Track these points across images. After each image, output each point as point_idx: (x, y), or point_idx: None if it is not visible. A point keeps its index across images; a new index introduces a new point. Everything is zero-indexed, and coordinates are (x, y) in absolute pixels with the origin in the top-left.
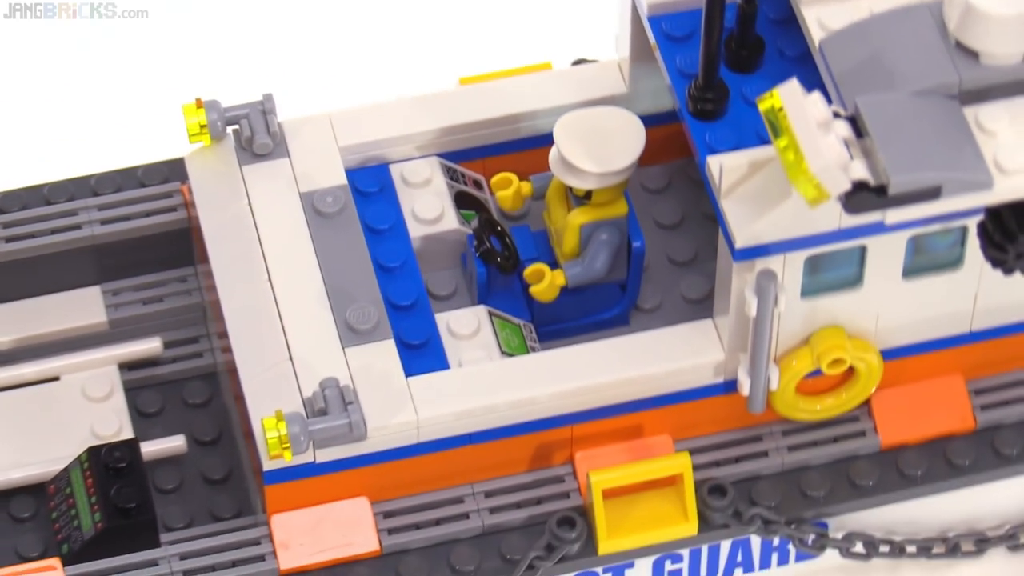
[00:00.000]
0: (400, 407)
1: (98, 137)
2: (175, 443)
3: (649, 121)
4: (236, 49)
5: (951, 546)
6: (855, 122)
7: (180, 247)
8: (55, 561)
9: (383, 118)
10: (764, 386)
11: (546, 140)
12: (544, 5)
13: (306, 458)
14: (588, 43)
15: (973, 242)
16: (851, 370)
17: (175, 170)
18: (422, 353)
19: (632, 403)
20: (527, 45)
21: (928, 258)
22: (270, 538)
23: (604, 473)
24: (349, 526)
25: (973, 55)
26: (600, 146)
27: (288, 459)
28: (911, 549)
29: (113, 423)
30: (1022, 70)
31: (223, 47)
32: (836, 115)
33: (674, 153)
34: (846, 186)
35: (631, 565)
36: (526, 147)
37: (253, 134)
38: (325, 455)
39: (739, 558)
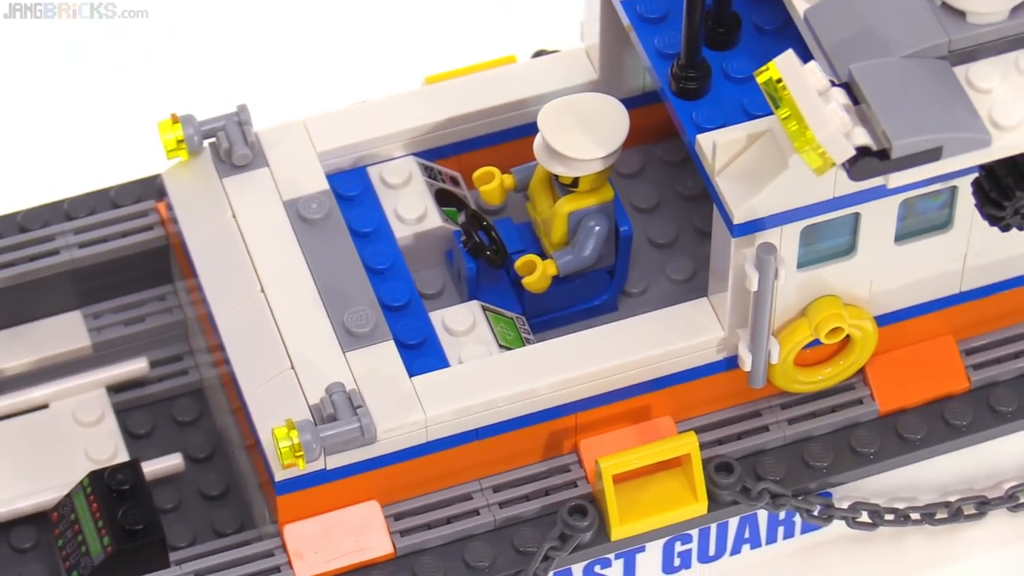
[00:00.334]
0: (408, 408)
1: (68, 158)
2: (173, 462)
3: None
4: (196, 63)
5: (953, 511)
6: (849, 89)
7: (157, 265)
8: None
9: (357, 121)
10: (765, 360)
11: (520, 132)
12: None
13: (317, 465)
14: (544, 34)
15: (961, 203)
16: (846, 339)
17: (147, 188)
18: (421, 352)
19: (635, 386)
20: (485, 41)
21: (918, 221)
22: (284, 549)
23: (613, 459)
24: (361, 531)
25: (960, 15)
26: (586, 132)
27: (302, 467)
28: (915, 516)
29: (108, 446)
30: (1009, 27)
31: (183, 63)
32: (832, 83)
33: (646, 136)
34: (851, 152)
35: (642, 549)
36: (501, 140)
37: (231, 146)
38: (335, 461)
39: (747, 534)
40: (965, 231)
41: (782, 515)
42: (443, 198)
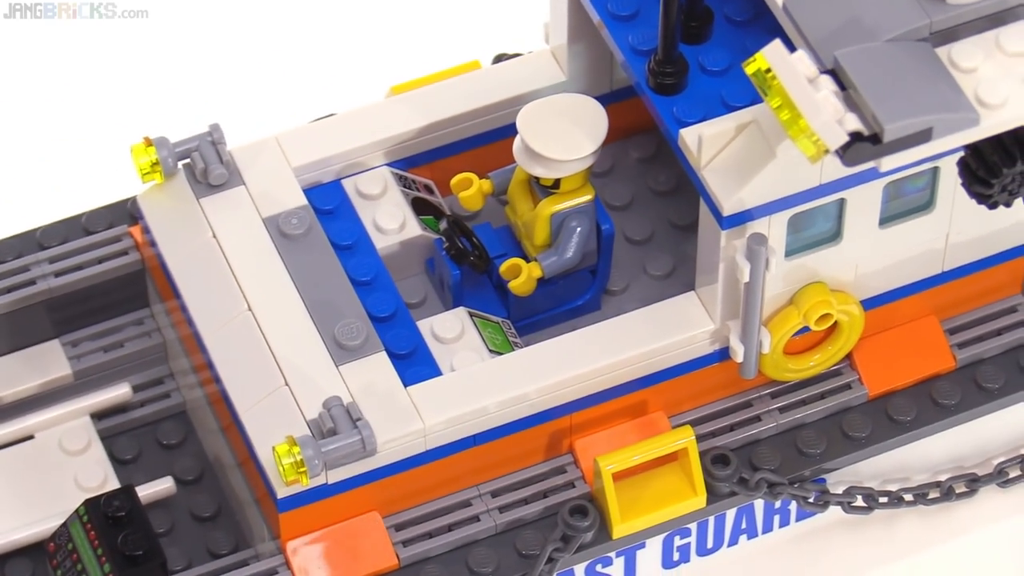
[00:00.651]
0: (407, 418)
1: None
2: (164, 486)
3: None
4: (156, 84)
5: (945, 490)
6: (836, 76)
7: (134, 290)
8: None
9: (329, 134)
10: (757, 351)
11: (492, 137)
12: (448, 8)
13: (318, 480)
14: (502, 38)
15: (943, 183)
16: (834, 325)
17: (118, 213)
18: (412, 362)
19: (630, 383)
20: (443, 48)
21: (902, 203)
22: (287, 566)
23: (612, 457)
24: (364, 543)
25: None
26: (565, 133)
27: (305, 483)
28: (908, 497)
29: (97, 473)
30: (986, 5)
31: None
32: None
33: (615, 134)
34: (844, 138)
35: (642, 546)
36: (473, 146)
37: (207, 166)
38: (336, 475)
39: (743, 525)
40: (947, 211)
41: (778, 504)
42: (419, 206)
